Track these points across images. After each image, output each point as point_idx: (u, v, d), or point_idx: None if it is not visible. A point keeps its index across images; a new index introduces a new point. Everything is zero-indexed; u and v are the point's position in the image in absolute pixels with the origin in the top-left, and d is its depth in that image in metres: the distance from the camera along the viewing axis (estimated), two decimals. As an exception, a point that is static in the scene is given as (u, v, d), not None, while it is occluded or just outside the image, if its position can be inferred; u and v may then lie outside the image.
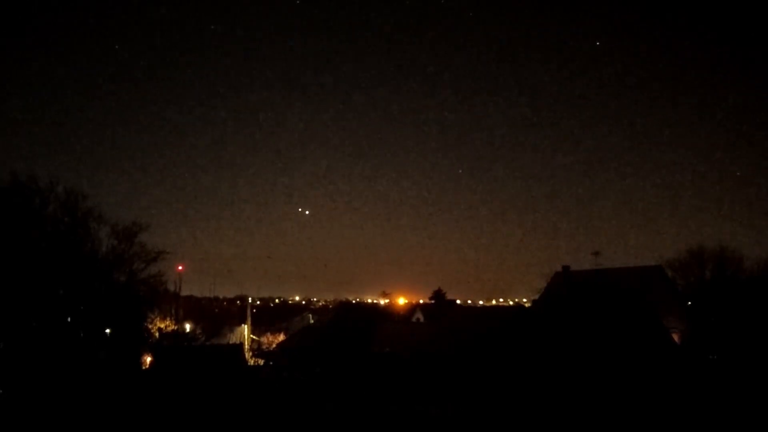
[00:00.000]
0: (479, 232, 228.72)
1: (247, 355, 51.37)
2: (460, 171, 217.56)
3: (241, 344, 51.84)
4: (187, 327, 55.89)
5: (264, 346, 60.45)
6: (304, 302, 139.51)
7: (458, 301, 79.94)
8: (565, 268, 43.01)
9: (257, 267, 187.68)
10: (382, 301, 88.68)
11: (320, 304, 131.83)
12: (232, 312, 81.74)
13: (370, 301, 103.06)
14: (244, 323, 63.23)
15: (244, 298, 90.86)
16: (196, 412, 28.00)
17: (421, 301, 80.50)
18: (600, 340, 30.20)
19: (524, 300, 76.28)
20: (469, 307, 80.00)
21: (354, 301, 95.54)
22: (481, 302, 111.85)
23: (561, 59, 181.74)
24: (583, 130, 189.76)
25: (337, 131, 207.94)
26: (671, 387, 28.35)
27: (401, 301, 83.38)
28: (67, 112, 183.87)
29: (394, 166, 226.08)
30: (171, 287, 47.83)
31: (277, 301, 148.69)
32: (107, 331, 36.45)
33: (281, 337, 60.63)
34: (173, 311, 51.93)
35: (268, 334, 64.44)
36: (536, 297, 43.92)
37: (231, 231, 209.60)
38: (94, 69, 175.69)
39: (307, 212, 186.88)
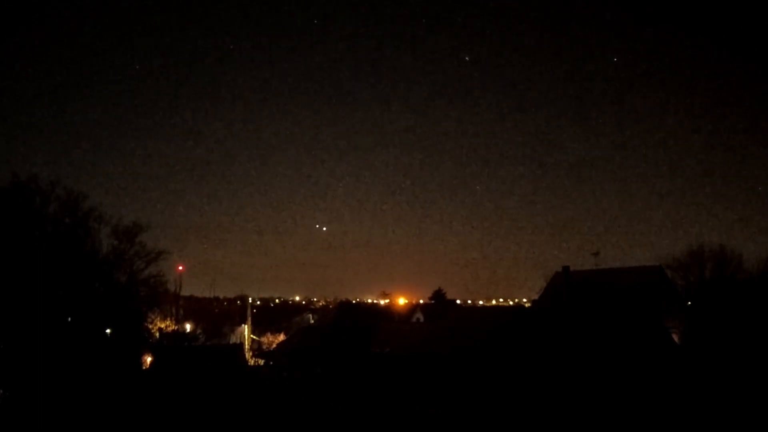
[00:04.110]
0: (479, 232, 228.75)
1: (247, 355, 51.46)
2: (462, 172, 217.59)
3: (241, 344, 51.95)
4: (188, 327, 55.95)
5: (264, 346, 60.53)
6: (304, 302, 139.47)
7: (458, 301, 79.92)
8: (565, 268, 42.91)
9: (258, 267, 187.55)
10: (382, 301, 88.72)
11: (320, 304, 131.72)
12: (232, 312, 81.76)
13: (370, 301, 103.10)
14: (245, 323, 63.30)
15: (244, 298, 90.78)
16: (197, 412, 28.04)
17: (421, 301, 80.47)
18: (600, 340, 30.22)
19: (524, 300, 76.43)
20: (469, 307, 79.95)
21: (354, 301, 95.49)
22: (481, 302, 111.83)
23: (561, 60, 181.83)
24: (583, 130, 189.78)
25: (336, 132, 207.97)
26: (671, 387, 28.37)
27: (401, 301, 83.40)
28: (68, 113, 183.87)
29: (393, 166, 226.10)
30: (171, 287, 47.90)
31: (277, 301, 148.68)
32: (107, 331, 36.48)
33: (281, 337, 60.69)
34: (173, 311, 51.99)
35: (268, 334, 64.51)
36: (536, 297, 43.91)
37: (231, 231, 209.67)
38: (95, 69, 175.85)
39: (324, 228, 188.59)
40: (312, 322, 79.24)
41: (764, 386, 27.42)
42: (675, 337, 36.68)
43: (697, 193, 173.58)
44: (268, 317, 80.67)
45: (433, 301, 71.88)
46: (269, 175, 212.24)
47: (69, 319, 34.10)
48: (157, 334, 43.94)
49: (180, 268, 53.43)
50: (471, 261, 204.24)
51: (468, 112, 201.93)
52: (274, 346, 57.27)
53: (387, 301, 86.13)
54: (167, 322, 48.37)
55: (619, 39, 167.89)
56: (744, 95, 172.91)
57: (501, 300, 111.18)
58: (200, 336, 51.19)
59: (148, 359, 39.68)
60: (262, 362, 51.43)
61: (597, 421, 25.65)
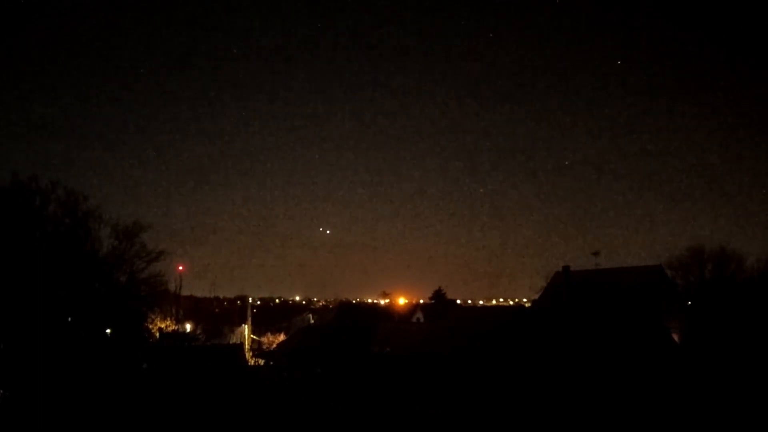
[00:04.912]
0: (479, 232, 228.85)
1: (248, 355, 51.47)
2: (462, 173, 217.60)
3: (242, 344, 51.98)
4: (188, 327, 55.94)
5: (264, 346, 60.55)
6: (304, 302, 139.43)
7: (458, 301, 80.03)
8: (565, 268, 42.92)
9: (258, 267, 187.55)
10: (382, 301, 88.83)
11: (320, 304, 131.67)
12: (232, 312, 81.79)
13: (370, 301, 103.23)
14: (245, 323, 63.31)
15: (244, 298, 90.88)
16: (197, 412, 28.04)
17: (421, 301, 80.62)
18: (600, 340, 30.21)
19: (524, 300, 76.45)
20: (469, 307, 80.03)
21: (354, 301, 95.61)
22: (481, 302, 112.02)
23: (560, 60, 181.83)
24: (583, 130, 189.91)
25: (335, 132, 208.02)
26: (671, 387, 28.36)
27: (401, 301, 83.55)
28: (68, 113, 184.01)
29: (394, 166, 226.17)
30: (171, 287, 47.84)
31: (277, 301, 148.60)
32: (108, 331, 36.45)
33: (281, 337, 60.70)
34: (173, 311, 51.94)
35: (269, 334, 64.52)
36: (536, 297, 43.91)
37: (232, 231, 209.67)
38: (96, 70, 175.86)
39: (327, 232, 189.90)
40: (312, 322, 79.29)
41: (764, 386, 27.43)
42: (675, 337, 36.67)
43: (697, 193, 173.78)
44: (268, 317, 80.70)
45: (433, 301, 72.01)
46: (270, 175, 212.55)
47: (69, 319, 34.07)
48: (157, 334, 43.91)
49: (180, 268, 53.37)
50: (471, 261, 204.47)
51: (469, 114, 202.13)
52: (274, 346, 57.29)
53: (387, 301, 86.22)
54: (167, 322, 48.32)
55: (620, 41, 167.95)
56: (744, 95, 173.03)
57: (501, 300, 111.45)
58: (200, 336, 51.15)
59: (148, 359, 39.63)
60: (262, 362, 51.46)
61: (597, 420, 25.65)
